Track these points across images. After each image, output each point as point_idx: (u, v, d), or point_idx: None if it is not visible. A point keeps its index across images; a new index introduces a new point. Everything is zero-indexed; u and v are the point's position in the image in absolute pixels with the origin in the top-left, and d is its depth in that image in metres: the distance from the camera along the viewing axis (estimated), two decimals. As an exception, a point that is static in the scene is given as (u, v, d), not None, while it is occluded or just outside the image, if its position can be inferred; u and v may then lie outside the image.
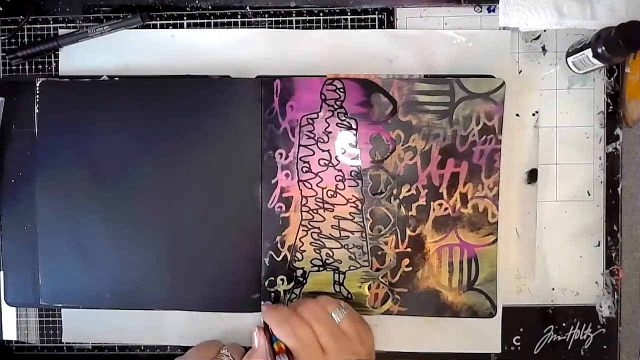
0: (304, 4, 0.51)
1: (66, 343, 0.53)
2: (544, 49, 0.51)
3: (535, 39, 0.51)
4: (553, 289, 0.51)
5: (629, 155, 0.51)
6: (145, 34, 0.51)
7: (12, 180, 0.52)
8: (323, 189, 0.50)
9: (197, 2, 0.52)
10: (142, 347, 0.52)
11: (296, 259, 0.50)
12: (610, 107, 0.51)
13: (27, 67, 0.52)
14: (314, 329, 0.46)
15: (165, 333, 0.52)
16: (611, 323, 0.51)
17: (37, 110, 0.50)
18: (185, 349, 0.52)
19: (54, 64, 0.52)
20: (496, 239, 0.50)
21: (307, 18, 0.51)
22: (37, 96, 0.50)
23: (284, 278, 0.50)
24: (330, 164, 0.50)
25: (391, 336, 0.51)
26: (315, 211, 0.50)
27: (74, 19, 0.52)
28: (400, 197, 0.50)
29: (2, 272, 0.52)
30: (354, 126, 0.50)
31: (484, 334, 0.51)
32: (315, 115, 0.50)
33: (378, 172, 0.50)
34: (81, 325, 0.52)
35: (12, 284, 0.52)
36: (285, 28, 0.51)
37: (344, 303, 0.48)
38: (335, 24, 0.51)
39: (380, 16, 0.51)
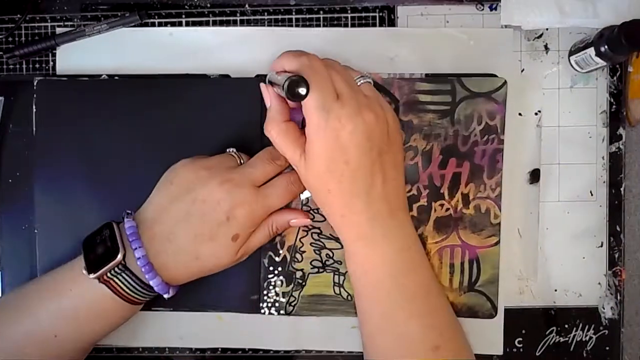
0: (304, 2, 0.51)
1: (64, 344, 0.53)
2: (546, 47, 0.51)
3: (538, 37, 0.51)
4: (555, 290, 0.51)
5: (632, 154, 0.51)
6: (143, 32, 0.51)
7: (10, 180, 0.51)
8: (323, 189, 0.50)
9: (195, 0, 0.51)
10: (141, 349, 0.52)
11: (296, 259, 0.50)
12: (613, 106, 0.51)
13: (24, 66, 0.52)
14: (330, 74, 0.42)
15: (165, 333, 0.51)
16: (614, 324, 0.51)
17: (34, 110, 0.50)
18: (184, 350, 0.51)
19: (51, 63, 0.51)
20: (498, 241, 0.49)
21: (307, 16, 0.51)
22: (35, 95, 0.50)
23: (283, 280, 0.50)
24: (331, 164, 0.49)
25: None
26: (315, 211, 0.50)
27: (72, 18, 0.52)
28: (401, 197, 0.49)
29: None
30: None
31: (486, 336, 0.50)
32: (315, 115, 0.49)
33: (379, 172, 0.49)
34: (79, 327, 0.52)
35: (10, 285, 0.51)
36: (285, 26, 0.51)
37: (368, 74, 0.45)
38: (336, 22, 0.51)
39: (381, 14, 0.51)
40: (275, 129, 0.44)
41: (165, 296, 0.45)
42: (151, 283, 0.43)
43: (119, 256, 0.42)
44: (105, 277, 0.42)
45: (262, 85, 0.46)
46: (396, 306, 0.44)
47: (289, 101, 0.45)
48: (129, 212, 0.46)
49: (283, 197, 0.46)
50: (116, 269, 0.42)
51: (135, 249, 0.43)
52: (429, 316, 0.45)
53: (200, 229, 0.44)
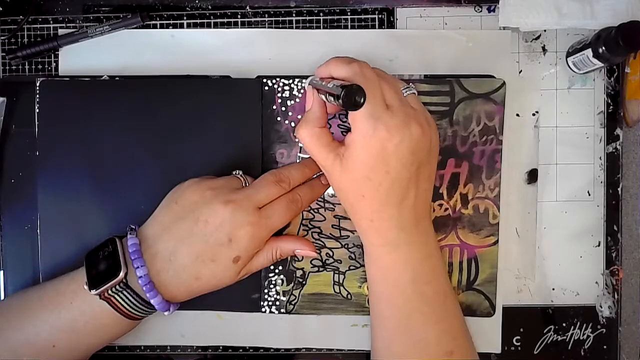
0: (304, 3, 0.51)
1: (66, 343, 0.53)
2: (544, 49, 0.51)
3: (536, 39, 0.51)
4: (553, 289, 0.51)
5: (629, 155, 0.52)
6: (145, 33, 0.51)
7: (12, 180, 0.52)
8: (323, 189, 0.50)
9: (197, 2, 0.52)
10: (142, 347, 0.52)
11: (296, 259, 0.50)
12: (611, 107, 0.51)
13: (27, 67, 0.52)
14: (379, 83, 0.42)
15: (165, 333, 0.52)
16: (611, 323, 0.51)
17: (37, 110, 0.50)
18: (186, 348, 0.52)
19: (53, 64, 0.52)
20: (497, 241, 0.50)
21: (307, 18, 0.51)
22: (37, 96, 0.50)
23: (284, 279, 0.50)
24: (331, 164, 0.50)
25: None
26: (316, 210, 0.50)
27: (74, 19, 0.52)
28: (401, 197, 0.50)
29: (2, 272, 0.52)
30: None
31: (484, 334, 0.51)
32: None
33: (378, 172, 0.50)
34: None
35: (12, 285, 0.52)
36: (285, 28, 0.51)
37: (412, 85, 0.46)
38: (335, 24, 0.51)
39: (380, 16, 0.51)
40: (308, 133, 0.44)
41: (166, 313, 0.45)
42: (152, 302, 0.43)
43: (121, 274, 0.42)
44: (106, 294, 0.43)
45: (308, 87, 0.46)
46: (415, 312, 0.45)
47: (329, 107, 0.45)
48: (133, 227, 0.46)
49: (284, 216, 0.46)
50: (117, 286, 0.43)
51: (137, 267, 0.43)
52: (444, 321, 0.45)
53: (201, 250, 0.44)
